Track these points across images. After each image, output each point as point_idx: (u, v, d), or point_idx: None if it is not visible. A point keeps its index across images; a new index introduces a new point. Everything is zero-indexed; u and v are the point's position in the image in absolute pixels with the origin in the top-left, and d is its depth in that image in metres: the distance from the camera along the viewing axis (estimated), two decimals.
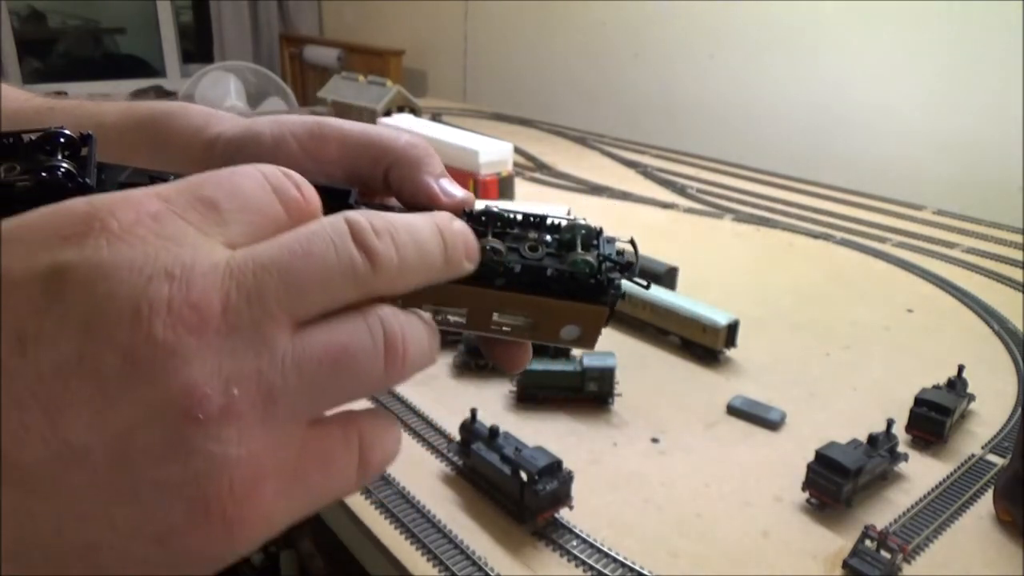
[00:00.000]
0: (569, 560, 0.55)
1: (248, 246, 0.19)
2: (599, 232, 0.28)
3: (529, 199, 1.38)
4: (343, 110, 2.00)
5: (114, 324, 0.17)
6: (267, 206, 0.20)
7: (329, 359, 0.20)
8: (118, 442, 0.17)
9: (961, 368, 0.75)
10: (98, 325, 0.17)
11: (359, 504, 0.60)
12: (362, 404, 0.22)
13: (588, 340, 0.28)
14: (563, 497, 0.58)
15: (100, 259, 0.17)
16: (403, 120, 1.59)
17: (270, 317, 0.19)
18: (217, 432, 0.17)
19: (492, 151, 1.37)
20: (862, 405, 0.77)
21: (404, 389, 0.76)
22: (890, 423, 0.65)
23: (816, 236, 1.27)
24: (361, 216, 0.21)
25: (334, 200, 0.24)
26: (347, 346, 0.20)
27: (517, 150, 1.58)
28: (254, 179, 0.21)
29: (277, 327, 0.19)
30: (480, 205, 0.28)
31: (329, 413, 0.21)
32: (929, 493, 0.63)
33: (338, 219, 0.21)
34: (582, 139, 1.95)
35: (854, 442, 0.63)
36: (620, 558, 0.55)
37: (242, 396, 0.18)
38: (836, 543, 0.57)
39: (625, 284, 0.28)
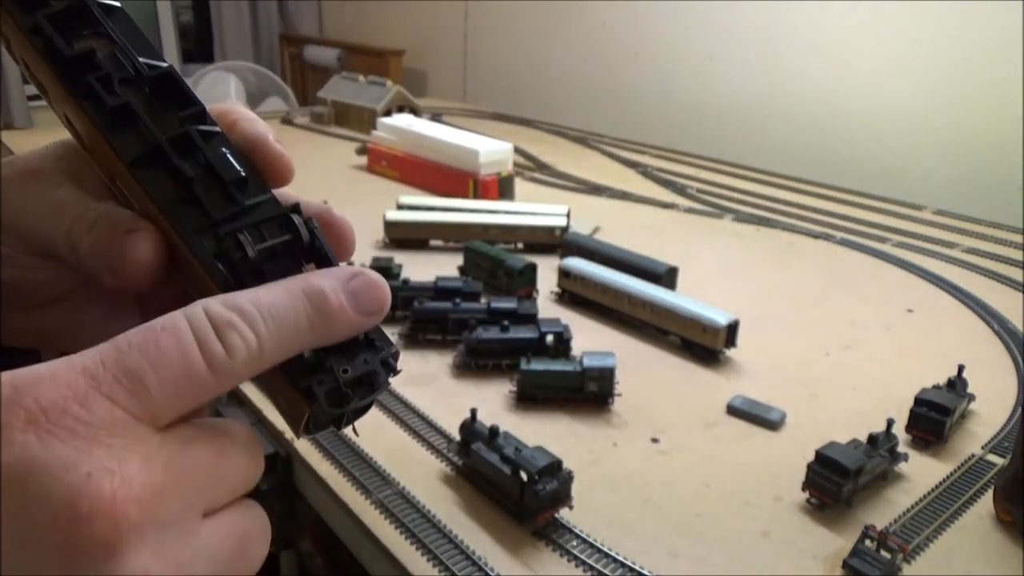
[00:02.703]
0: (569, 560, 0.55)
1: (174, 430, 0.20)
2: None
3: (529, 199, 1.38)
4: (343, 110, 2.00)
5: (50, 526, 0.17)
6: (191, 372, 0.20)
7: (236, 544, 0.22)
8: None
9: (961, 368, 0.75)
10: (34, 528, 0.17)
11: (359, 504, 0.60)
12: None
13: (291, 422, 0.25)
14: (563, 497, 0.58)
15: (31, 457, 0.17)
16: (403, 120, 1.59)
17: (193, 510, 0.20)
18: None
19: (492, 151, 1.37)
20: (862, 405, 0.77)
21: (405, 389, 0.76)
22: (890, 423, 0.65)
23: (816, 236, 1.27)
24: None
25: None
26: (247, 531, 0.22)
27: (517, 150, 1.58)
28: (179, 338, 0.20)
29: (197, 516, 0.20)
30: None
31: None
32: (929, 493, 0.63)
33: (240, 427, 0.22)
34: (582, 139, 1.95)
35: (854, 442, 0.63)
36: (620, 558, 0.55)
37: None
38: (836, 543, 0.57)
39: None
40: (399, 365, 0.25)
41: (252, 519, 0.22)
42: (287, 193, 0.28)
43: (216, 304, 0.21)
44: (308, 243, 0.25)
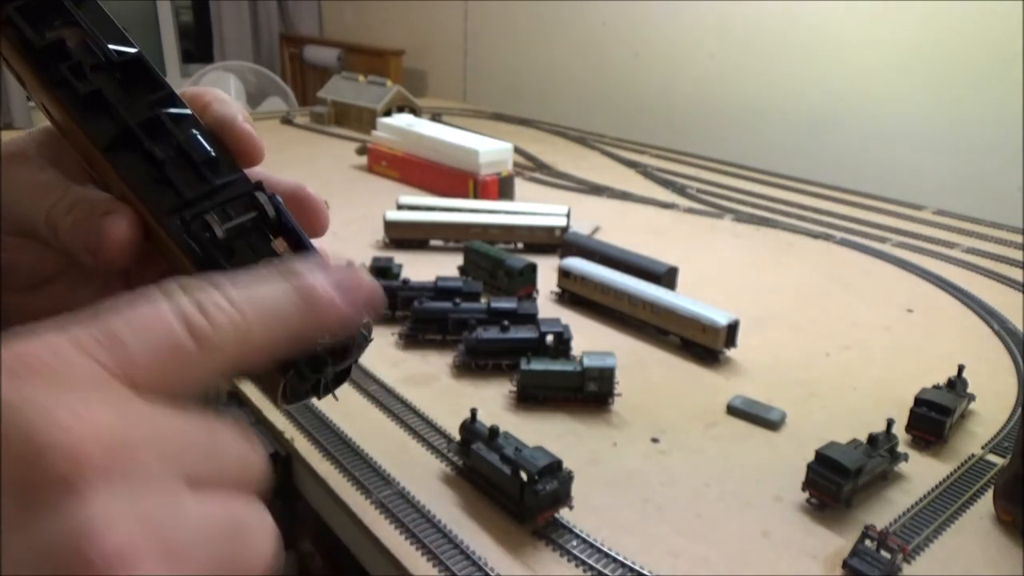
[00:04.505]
0: (569, 560, 0.55)
1: (159, 398, 0.19)
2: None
3: (529, 199, 1.38)
4: (343, 110, 2.00)
5: (9, 460, 0.16)
6: (172, 338, 0.20)
7: (230, 529, 0.20)
8: None
9: (961, 368, 0.75)
10: None
11: (359, 504, 0.60)
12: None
13: (268, 390, 0.25)
14: (563, 497, 0.58)
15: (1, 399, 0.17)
16: (403, 120, 1.59)
17: (173, 474, 0.19)
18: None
19: (492, 151, 1.37)
20: (862, 405, 0.77)
21: (405, 389, 0.76)
22: (890, 423, 0.65)
23: (816, 236, 1.27)
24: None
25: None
26: (245, 520, 0.20)
27: (517, 150, 1.58)
28: (155, 305, 0.20)
29: (179, 483, 0.19)
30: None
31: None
32: (929, 493, 0.63)
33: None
34: (582, 139, 1.95)
35: (854, 442, 0.63)
36: (620, 558, 0.55)
37: (140, 541, 0.17)
38: (836, 543, 0.57)
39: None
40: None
41: (252, 512, 0.21)
42: (258, 172, 0.28)
43: (189, 278, 0.22)
44: (274, 219, 0.26)
